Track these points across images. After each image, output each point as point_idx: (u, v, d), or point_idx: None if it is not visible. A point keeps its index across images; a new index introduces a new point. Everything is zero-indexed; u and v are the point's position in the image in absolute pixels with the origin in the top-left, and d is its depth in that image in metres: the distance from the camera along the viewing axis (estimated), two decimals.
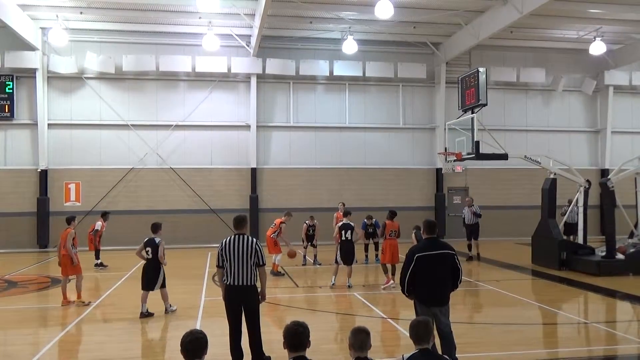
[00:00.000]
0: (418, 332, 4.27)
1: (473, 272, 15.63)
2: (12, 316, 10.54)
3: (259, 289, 7.23)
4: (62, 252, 11.29)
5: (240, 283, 6.92)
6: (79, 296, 11.39)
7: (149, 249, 10.27)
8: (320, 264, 16.41)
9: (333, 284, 12.77)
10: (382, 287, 12.66)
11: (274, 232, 15.06)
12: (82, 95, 22.05)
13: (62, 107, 21.89)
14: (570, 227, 18.12)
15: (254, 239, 7.11)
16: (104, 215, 16.93)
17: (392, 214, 13.41)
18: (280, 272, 14.88)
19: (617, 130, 25.72)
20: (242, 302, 7.04)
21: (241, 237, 7.02)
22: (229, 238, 7.05)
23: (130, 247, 20.22)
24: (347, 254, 12.74)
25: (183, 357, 3.88)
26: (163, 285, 10.41)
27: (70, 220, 11.74)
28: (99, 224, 16.55)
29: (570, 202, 18.39)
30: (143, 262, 10.46)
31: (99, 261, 16.59)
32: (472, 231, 18.13)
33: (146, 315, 10.10)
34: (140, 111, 22.39)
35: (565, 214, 18.03)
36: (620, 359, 8.12)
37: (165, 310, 10.43)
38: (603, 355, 8.24)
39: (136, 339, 8.91)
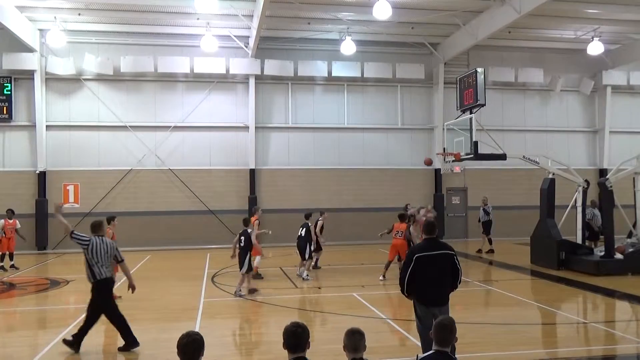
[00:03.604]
0: (442, 335, 4.21)
1: (472, 272, 15.63)
2: (11, 318, 10.53)
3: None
4: None
5: (106, 276, 8.15)
6: None
7: (242, 237, 12.00)
8: (319, 267, 16.33)
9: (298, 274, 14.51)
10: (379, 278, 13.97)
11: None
12: (81, 96, 22.05)
13: (60, 109, 21.88)
14: (593, 232, 18.04)
15: (112, 240, 8.47)
16: (7, 212, 16.87)
17: (401, 217, 14.28)
18: (260, 274, 14.52)
19: (615, 130, 25.77)
20: (103, 292, 8.16)
21: (102, 238, 8.25)
22: (94, 239, 8.15)
23: (130, 249, 20.28)
24: (298, 248, 14.58)
25: (179, 359, 3.88)
26: (248, 270, 11.99)
27: (109, 220, 12.03)
28: (1, 222, 16.55)
29: (593, 204, 18.29)
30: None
31: (2, 263, 16.53)
32: (484, 228, 19.61)
33: (253, 291, 12.15)
34: (138, 112, 22.38)
35: (590, 219, 17.87)
36: (619, 358, 8.12)
37: (235, 292, 11.96)
38: (602, 355, 8.24)
39: None
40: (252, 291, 12.23)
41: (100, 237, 8.22)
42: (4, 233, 16.51)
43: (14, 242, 16.93)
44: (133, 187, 22.15)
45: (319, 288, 13.20)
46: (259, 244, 14.73)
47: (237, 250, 12.10)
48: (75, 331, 8.32)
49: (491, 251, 19.34)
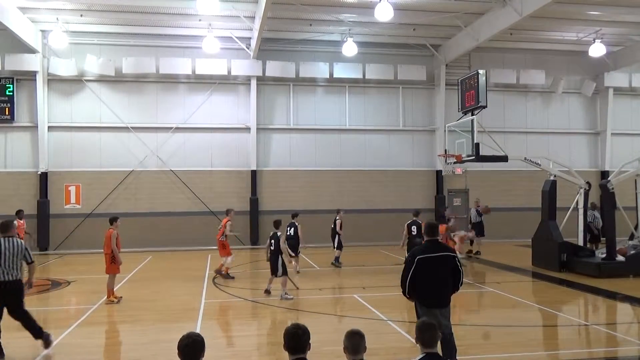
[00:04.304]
0: (426, 336, 4.18)
1: (474, 274, 15.61)
2: (12, 319, 10.51)
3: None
4: (106, 251, 11.65)
5: (7, 279, 7.75)
6: (109, 294, 11.65)
7: (272, 241, 11.92)
8: (341, 264, 16.94)
9: (298, 271, 15.34)
10: None
11: (222, 235, 14.74)
12: (82, 97, 22.08)
13: (62, 110, 21.92)
14: (594, 234, 18.09)
15: (21, 241, 8.11)
16: (18, 213, 17.01)
17: (441, 219, 14.12)
18: (229, 275, 14.73)
19: (617, 132, 25.75)
20: (7, 296, 7.81)
21: (9, 239, 7.93)
22: None
23: (131, 250, 20.30)
24: (291, 247, 14.76)
25: None
26: (284, 273, 11.83)
27: (112, 220, 11.92)
28: (14, 223, 16.59)
29: (593, 206, 18.19)
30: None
31: None
32: (476, 229, 19.40)
33: (268, 292, 12.07)
34: (140, 113, 22.40)
35: (592, 220, 17.86)
36: None
37: (280, 296, 11.70)
38: (604, 357, 8.22)
39: (136, 341, 8.90)
40: (266, 292, 12.20)
41: (6, 238, 7.89)
42: (18, 234, 16.55)
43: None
44: (134, 188, 22.17)
45: (320, 289, 13.19)
46: (229, 245, 14.86)
47: (269, 254, 12.08)
48: (76, 332, 8.34)
49: (471, 252, 19.23)
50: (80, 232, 21.48)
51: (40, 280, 15.09)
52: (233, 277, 14.67)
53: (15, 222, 16.55)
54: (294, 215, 15.81)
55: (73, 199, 21.87)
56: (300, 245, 15.19)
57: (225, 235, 14.74)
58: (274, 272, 11.95)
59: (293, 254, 15.12)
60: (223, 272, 14.73)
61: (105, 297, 11.72)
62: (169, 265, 17.68)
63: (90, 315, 10.62)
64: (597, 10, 19.74)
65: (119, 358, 8.33)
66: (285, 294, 11.84)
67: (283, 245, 11.86)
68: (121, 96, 22.36)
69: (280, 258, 11.85)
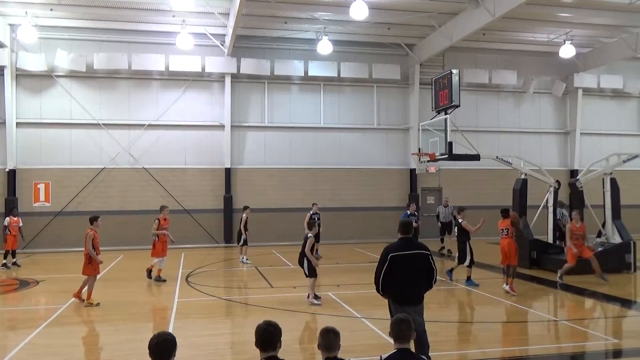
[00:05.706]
0: (399, 330, 4.22)
1: (443, 273, 15.74)
2: None
3: None
4: (84, 251, 11.36)
5: None
6: (88, 297, 11.26)
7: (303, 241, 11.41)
8: (320, 257, 17.26)
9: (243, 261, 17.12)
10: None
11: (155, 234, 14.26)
12: (52, 93, 21.63)
13: (31, 106, 21.43)
14: (562, 232, 18.24)
15: None
16: (12, 211, 17.18)
17: (503, 212, 13.51)
18: (160, 277, 14.02)
19: (586, 132, 26.30)
20: None
21: None
22: None
23: (102, 249, 19.94)
24: (238, 235, 17.41)
25: None
26: (310, 275, 11.18)
27: (92, 220, 11.56)
28: (7, 220, 16.73)
29: (560, 204, 18.28)
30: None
31: (5, 261, 16.56)
32: (448, 228, 19.60)
33: (316, 301, 11.23)
34: (112, 110, 22.05)
35: (560, 218, 18.04)
36: (588, 355, 8.29)
37: (308, 297, 11.24)
38: (572, 352, 8.40)
39: (106, 341, 8.78)
40: (316, 297, 11.33)
41: None
42: (9, 231, 16.46)
43: (17, 240, 17.02)
44: (106, 185, 21.81)
45: (294, 287, 13.18)
46: (159, 245, 14.19)
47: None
48: (45, 332, 8.18)
49: (449, 250, 19.46)
50: (49, 231, 21.07)
51: (7, 280, 14.78)
52: (164, 280, 13.96)
53: (7, 218, 16.48)
54: (245, 207, 17.56)
55: (42, 197, 21.41)
56: (243, 237, 17.02)
57: (157, 235, 14.19)
58: (305, 273, 11.37)
59: (319, 257, 16.08)
60: (153, 275, 14.00)
61: (85, 299, 11.30)
62: (141, 264, 17.42)
63: (59, 315, 10.42)
64: (567, 12, 20.12)
65: (89, 358, 8.20)
66: (312, 297, 11.24)
67: (307, 250, 11.12)
68: (92, 92, 21.96)
69: (306, 260, 11.22)
